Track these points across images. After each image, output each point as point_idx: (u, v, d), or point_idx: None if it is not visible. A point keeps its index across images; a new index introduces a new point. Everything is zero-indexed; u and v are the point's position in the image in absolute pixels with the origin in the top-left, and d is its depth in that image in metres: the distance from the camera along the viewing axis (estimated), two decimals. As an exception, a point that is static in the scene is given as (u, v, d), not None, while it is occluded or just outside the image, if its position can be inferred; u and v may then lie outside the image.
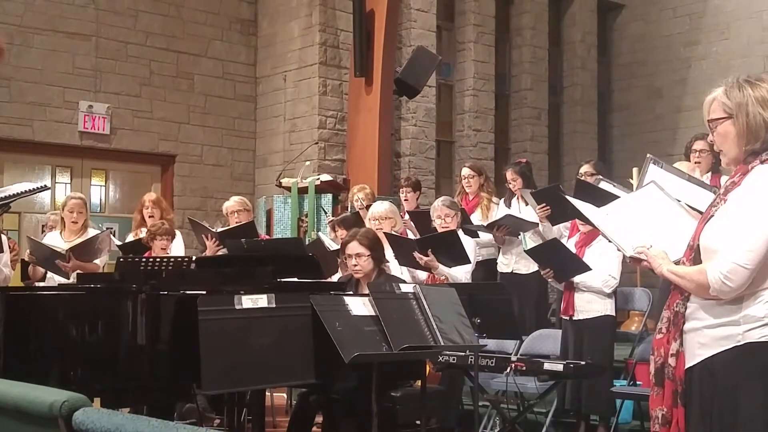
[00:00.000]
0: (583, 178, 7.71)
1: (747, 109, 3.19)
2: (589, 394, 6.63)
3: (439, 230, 7.34)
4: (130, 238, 8.35)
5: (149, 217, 8.09)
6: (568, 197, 4.54)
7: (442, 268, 6.98)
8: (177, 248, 7.92)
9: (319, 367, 4.40)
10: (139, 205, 8.32)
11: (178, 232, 8.12)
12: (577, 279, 6.66)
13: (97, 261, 7.54)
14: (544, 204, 7.87)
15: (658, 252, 3.39)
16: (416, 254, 6.92)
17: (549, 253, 6.79)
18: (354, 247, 6.00)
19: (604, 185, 5.89)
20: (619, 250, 3.64)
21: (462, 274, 7.08)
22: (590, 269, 6.51)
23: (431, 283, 6.81)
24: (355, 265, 5.99)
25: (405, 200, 9.10)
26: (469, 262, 7.12)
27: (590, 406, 6.76)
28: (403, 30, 12.66)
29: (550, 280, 6.94)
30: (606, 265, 6.60)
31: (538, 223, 7.99)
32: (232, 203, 8.35)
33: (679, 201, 3.64)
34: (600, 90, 15.54)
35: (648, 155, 4.29)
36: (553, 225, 7.93)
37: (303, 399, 5.78)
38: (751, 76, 3.27)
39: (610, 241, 3.73)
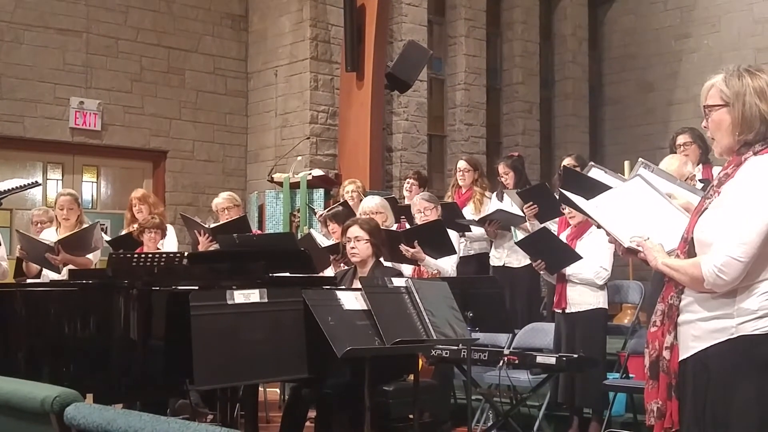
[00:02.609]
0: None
1: (744, 98, 3.18)
2: (582, 388, 6.64)
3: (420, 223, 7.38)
4: (123, 233, 8.35)
5: (138, 213, 8.09)
6: (561, 189, 4.54)
7: (428, 259, 7.00)
8: (170, 243, 7.91)
9: (312, 362, 4.40)
10: (129, 204, 8.34)
11: (170, 227, 8.12)
12: (569, 271, 6.67)
13: (89, 256, 7.54)
14: (530, 203, 7.88)
15: (654, 244, 3.38)
16: (402, 246, 6.93)
17: (539, 244, 6.79)
18: (354, 231, 6.09)
19: (596, 171, 5.89)
20: (611, 241, 3.63)
21: (449, 265, 7.11)
22: (581, 258, 6.52)
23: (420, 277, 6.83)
24: (353, 248, 6.06)
25: (408, 191, 9.15)
26: (455, 252, 7.17)
27: (583, 400, 6.77)
28: (394, 24, 12.65)
29: (541, 272, 6.94)
30: (597, 257, 6.61)
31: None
32: (221, 200, 8.35)
33: (662, 194, 3.63)
34: (591, 84, 15.54)
35: (640, 159, 4.29)
36: (541, 223, 7.93)
37: (295, 394, 5.79)
38: (752, 67, 3.26)
39: (600, 228, 3.71)
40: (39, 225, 8.48)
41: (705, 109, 3.30)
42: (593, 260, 6.61)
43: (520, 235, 7.76)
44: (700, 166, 7.04)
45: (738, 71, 3.24)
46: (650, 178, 3.78)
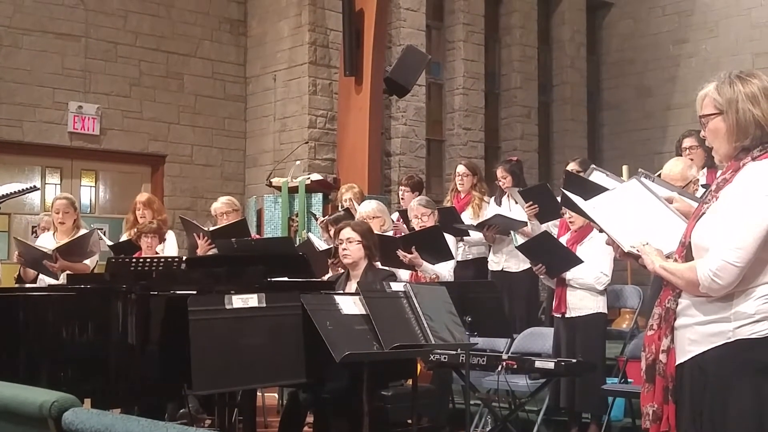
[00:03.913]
0: (570, 177, 7.71)
1: (737, 105, 3.18)
2: (582, 392, 6.64)
3: (416, 229, 7.38)
4: (123, 238, 8.34)
5: (141, 217, 8.07)
6: (563, 190, 4.54)
7: (426, 265, 7.00)
8: (170, 248, 7.90)
9: (310, 367, 4.40)
10: (132, 206, 8.31)
11: (171, 232, 8.11)
12: (569, 275, 6.66)
13: (87, 261, 7.52)
14: (532, 202, 7.88)
15: (653, 249, 3.38)
16: (400, 252, 6.94)
17: (540, 248, 6.78)
18: (346, 233, 6.09)
19: (597, 174, 5.89)
20: (609, 243, 3.62)
21: (446, 270, 7.12)
22: (582, 262, 6.51)
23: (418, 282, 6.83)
24: (345, 250, 6.05)
25: (402, 199, 9.14)
26: (453, 258, 7.18)
27: (583, 404, 6.76)
28: (392, 29, 12.66)
29: (542, 276, 6.94)
30: (597, 262, 6.61)
31: (527, 222, 8.00)
32: (220, 204, 8.35)
33: (658, 197, 3.63)
34: (589, 88, 15.54)
35: (639, 170, 4.29)
36: (541, 223, 7.94)
37: (294, 399, 5.78)
38: (743, 72, 3.26)
39: (601, 231, 3.70)
40: (47, 231, 8.48)
41: (701, 119, 3.31)
42: (593, 265, 6.61)
43: (520, 240, 7.76)
44: (705, 169, 7.04)
45: (729, 78, 3.24)
46: (648, 183, 3.78)
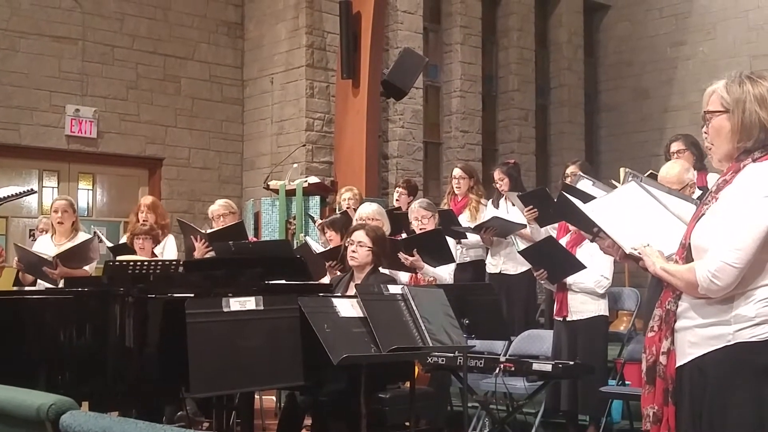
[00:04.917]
0: (569, 179, 7.71)
1: (744, 106, 3.17)
2: (583, 395, 6.63)
3: (417, 232, 7.38)
4: (123, 240, 8.33)
5: (143, 220, 8.05)
6: (566, 194, 4.53)
7: (427, 267, 7.00)
8: (169, 251, 7.88)
9: (308, 369, 4.40)
10: (136, 208, 8.30)
11: (171, 236, 8.10)
12: (569, 279, 6.65)
13: (86, 268, 7.49)
14: (531, 206, 7.87)
15: (653, 250, 3.37)
16: (401, 254, 6.93)
17: (543, 253, 6.76)
18: (358, 235, 6.11)
19: (585, 182, 5.88)
20: (609, 248, 3.61)
21: (446, 272, 7.12)
22: (585, 267, 6.50)
23: (417, 284, 6.83)
24: (354, 251, 6.06)
25: (396, 200, 9.14)
26: (454, 261, 7.17)
27: (585, 407, 6.76)
28: (389, 32, 12.66)
29: (543, 281, 6.93)
30: (597, 265, 6.60)
31: (525, 225, 7.99)
32: (217, 207, 8.34)
33: (657, 198, 3.62)
34: (587, 91, 15.56)
35: (628, 170, 4.28)
36: (541, 227, 7.93)
37: (292, 401, 5.78)
38: (753, 73, 3.24)
39: (597, 237, 3.68)
40: (45, 233, 8.46)
41: (706, 115, 3.29)
42: (594, 269, 6.60)
43: (521, 244, 7.75)
44: (695, 172, 7.03)
45: (739, 78, 3.23)
46: (647, 184, 3.78)
